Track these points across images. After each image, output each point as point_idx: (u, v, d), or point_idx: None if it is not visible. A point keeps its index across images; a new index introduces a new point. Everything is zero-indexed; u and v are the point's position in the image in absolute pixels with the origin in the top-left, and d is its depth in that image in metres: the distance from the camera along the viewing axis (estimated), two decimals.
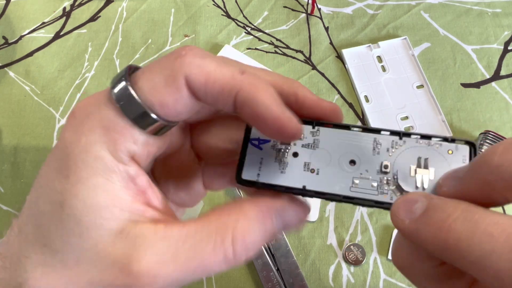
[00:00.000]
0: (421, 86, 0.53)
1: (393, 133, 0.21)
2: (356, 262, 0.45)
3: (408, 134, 0.21)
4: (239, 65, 0.20)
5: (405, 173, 0.21)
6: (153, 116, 0.19)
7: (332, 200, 0.21)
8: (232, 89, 0.19)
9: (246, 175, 0.22)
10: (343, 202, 0.21)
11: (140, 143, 0.20)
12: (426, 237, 0.17)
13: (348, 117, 0.52)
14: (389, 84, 0.54)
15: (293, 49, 0.57)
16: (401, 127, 0.51)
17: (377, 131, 0.22)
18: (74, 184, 0.19)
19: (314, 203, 0.47)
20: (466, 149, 0.21)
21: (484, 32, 0.57)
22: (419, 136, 0.21)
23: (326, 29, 0.58)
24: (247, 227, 0.20)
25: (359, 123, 0.52)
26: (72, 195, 0.19)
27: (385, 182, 0.21)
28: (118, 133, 0.19)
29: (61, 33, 0.58)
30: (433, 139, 0.21)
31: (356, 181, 0.21)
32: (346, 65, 0.55)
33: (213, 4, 0.60)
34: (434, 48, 0.56)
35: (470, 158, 0.21)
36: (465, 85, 0.54)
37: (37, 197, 0.20)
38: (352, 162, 0.21)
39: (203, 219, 0.20)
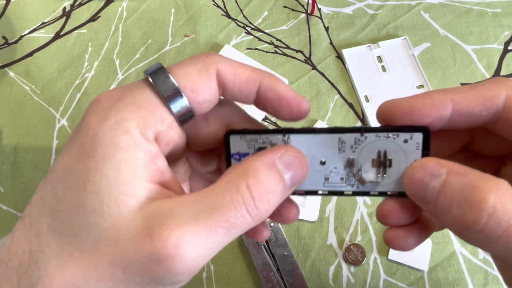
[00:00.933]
0: (421, 86, 0.53)
1: (354, 130, 0.23)
2: (356, 262, 0.45)
3: (368, 129, 0.23)
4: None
5: (367, 165, 0.24)
6: (184, 98, 0.22)
7: (310, 194, 0.25)
8: (256, 79, 0.23)
9: None
10: (321, 195, 0.24)
11: (166, 124, 0.22)
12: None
13: (348, 117, 0.52)
14: (389, 84, 0.54)
15: (293, 49, 0.57)
16: None
17: (340, 130, 0.24)
18: (99, 161, 0.20)
19: (314, 204, 0.47)
20: (419, 136, 0.23)
21: (484, 32, 0.57)
22: (377, 131, 0.23)
23: (326, 29, 0.58)
24: (257, 174, 0.21)
25: (359, 123, 0.52)
26: (96, 171, 0.19)
27: (351, 175, 0.24)
28: (149, 111, 0.21)
29: (61, 33, 0.58)
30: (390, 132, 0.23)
31: (328, 178, 0.24)
32: (346, 65, 0.55)
33: (213, 4, 0.60)
34: (434, 48, 0.56)
35: (424, 144, 0.23)
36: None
37: (53, 187, 0.20)
38: (323, 162, 0.24)
39: (215, 182, 0.21)
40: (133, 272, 0.19)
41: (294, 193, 0.24)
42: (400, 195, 0.24)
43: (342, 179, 0.24)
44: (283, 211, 0.26)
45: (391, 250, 0.45)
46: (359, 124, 0.52)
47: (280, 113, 0.24)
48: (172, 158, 0.24)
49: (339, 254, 0.46)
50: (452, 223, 0.20)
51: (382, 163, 0.23)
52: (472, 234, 0.19)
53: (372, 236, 0.46)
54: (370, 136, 0.23)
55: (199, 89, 0.22)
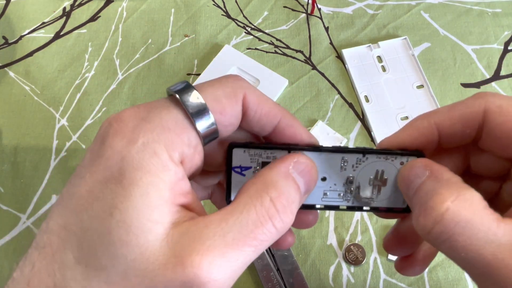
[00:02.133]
0: (421, 86, 0.53)
1: (358, 151, 0.25)
2: (356, 262, 0.45)
3: (370, 151, 0.25)
4: None
5: (365, 183, 0.25)
6: (212, 118, 0.22)
7: (308, 208, 0.26)
8: (277, 114, 0.24)
9: (234, 196, 0.25)
10: (317, 209, 0.26)
11: (192, 147, 0.21)
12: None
13: (348, 117, 0.52)
14: (389, 84, 0.54)
15: (293, 49, 0.57)
16: (400, 127, 0.51)
17: (344, 150, 0.25)
18: (127, 186, 0.19)
19: None
20: (414, 159, 0.25)
21: (484, 32, 0.57)
22: (378, 153, 0.25)
23: (326, 29, 0.58)
24: (277, 185, 0.21)
25: (359, 123, 0.52)
26: (124, 198, 0.19)
27: (349, 191, 0.26)
28: (176, 133, 0.21)
29: (61, 33, 0.58)
30: (389, 154, 0.25)
31: (326, 193, 0.26)
32: (346, 65, 0.55)
33: (213, 4, 0.60)
34: (434, 48, 0.56)
35: None
36: (465, 85, 0.54)
37: (78, 215, 0.19)
38: (323, 178, 0.26)
39: (234, 201, 0.21)
40: None
41: None
42: (388, 211, 0.26)
43: (339, 195, 0.26)
44: (302, 217, 0.27)
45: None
46: (359, 124, 0.52)
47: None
48: (190, 178, 0.24)
49: (339, 254, 0.46)
50: (413, 222, 0.21)
51: (379, 182, 0.25)
52: (424, 235, 0.20)
53: (372, 236, 0.46)
54: (371, 157, 0.25)
55: (227, 112, 0.22)
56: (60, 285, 0.19)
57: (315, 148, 0.25)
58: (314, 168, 0.23)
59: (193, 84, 0.23)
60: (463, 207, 0.19)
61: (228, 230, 0.19)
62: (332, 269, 0.45)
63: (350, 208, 0.26)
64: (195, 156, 0.22)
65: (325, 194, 0.26)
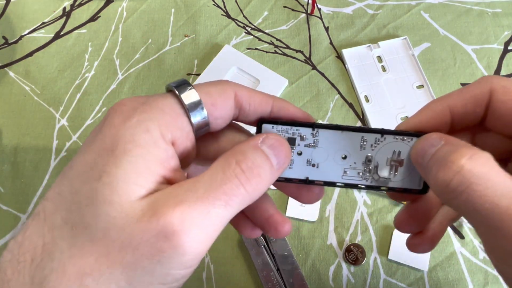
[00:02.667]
0: (421, 86, 0.53)
1: (376, 131, 0.26)
2: (356, 262, 0.45)
3: (388, 132, 0.26)
4: None
5: (383, 163, 0.26)
6: (204, 111, 0.24)
7: (328, 185, 0.27)
8: (269, 100, 0.27)
9: None
10: (338, 187, 0.27)
11: (185, 132, 0.24)
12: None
13: (348, 117, 0.52)
14: (389, 84, 0.54)
15: (293, 49, 0.57)
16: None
17: (364, 130, 0.26)
18: (118, 155, 0.21)
19: (314, 204, 0.47)
20: None
21: (484, 32, 0.57)
22: (395, 134, 0.26)
23: (326, 29, 0.58)
24: (244, 152, 0.23)
25: (359, 123, 0.52)
26: (114, 164, 0.21)
27: (367, 170, 0.27)
28: (171, 116, 0.23)
29: (61, 33, 0.58)
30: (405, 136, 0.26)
31: (346, 171, 0.27)
32: (346, 65, 0.55)
33: (213, 4, 0.60)
34: (434, 48, 0.56)
35: None
36: (465, 85, 0.54)
37: (71, 182, 0.21)
38: (344, 157, 0.27)
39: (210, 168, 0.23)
40: (141, 254, 0.20)
41: (315, 183, 0.27)
42: (405, 191, 0.27)
43: (359, 173, 0.27)
44: (304, 193, 0.29)
45: (391, 250, 0.45)
46: (359, 124, 0.52)
47: None
48: (182, 166, 0.25)
49: (339, 254, 0.46)
50: (431, 182, 0.23)
51: (396, 162, 0.26)
52: (441, 190, 0.22)
53: (372, 236, 0.46)
54: (389, 137, 0.26)
55: (218, 105, 0.25)
56: (48, 243, 0.20)
57: (337, 126, 0.26)
58: (285, 144, 0.25)
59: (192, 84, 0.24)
60: (480, 162, 0.21)
61: (199, 187, 0.21)
62: (332, 269, 0.45)
63: (369, 187, 0.27)
64: (187, 142, 0.24)
65: (345, 172, 0.27)
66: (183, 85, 0.24)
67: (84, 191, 0.21)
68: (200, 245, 0.21)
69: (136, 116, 0.22)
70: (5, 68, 0.56)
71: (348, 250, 0.45)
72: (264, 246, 0.44)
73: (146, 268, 0.20)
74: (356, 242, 0.46)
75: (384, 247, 0.46)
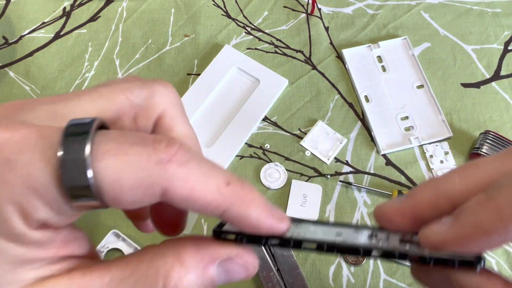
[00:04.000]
0: (421, 86, 0.53)
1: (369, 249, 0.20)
2: (356, 262, 0.45)
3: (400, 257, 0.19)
4: (224, 173, 0.18)
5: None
6: (96, 201, 0.16)
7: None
8: (219, 206, 0.17)
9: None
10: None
11: (62, 214, 0.17)
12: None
13: (348, 117, 0.52)
14: (389, 84, 0.54)
15: (293, 49, 0.57)
16: (401, 127, 0.51)
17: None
18: None
19: (314, 204, 0.47)
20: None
21: (484, 32, 0.57)
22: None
23: (326, 29, 0.58)
24: (182, 277, 0.17)
25: (359, 123, 0.52)
26: None
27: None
28: (42, 200, 0.16)
29: (61, 33, 0.58)
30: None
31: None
32: (346, 65, 0.55)
33: (213, 4, 0.60)
34: (434, 48, 0.56)
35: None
36: (465, 85, 0.54)
37: None
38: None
39: (133, 260, 0.17)
40: None
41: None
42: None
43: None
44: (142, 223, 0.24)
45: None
46: (359, 123, 0.52)
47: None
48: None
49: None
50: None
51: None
52: None
53: None
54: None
55: (123, 202, 0.16)
56: None
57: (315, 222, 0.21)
58: (250, 273, 0.20)
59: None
60: None
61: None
62: (332, 269, 0.45)
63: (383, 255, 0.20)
64: (68, 219, 0.17)
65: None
66: (80, 140, 0.16)
67: None
68: None
69: None
70: (5, 68, 0.56)
71: None
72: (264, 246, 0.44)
73: None
74: None
75: None
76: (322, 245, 0.19)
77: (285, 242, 0.19)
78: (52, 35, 0.58)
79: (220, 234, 0.19)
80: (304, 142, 0.51)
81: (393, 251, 0.19)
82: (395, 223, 0.21)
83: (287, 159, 0.50)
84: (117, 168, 0.16)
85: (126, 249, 0.46)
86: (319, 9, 0.59)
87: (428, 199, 0.20)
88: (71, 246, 0.18)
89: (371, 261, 0.45)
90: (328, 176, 0.49)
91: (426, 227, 0.19)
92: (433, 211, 0.20)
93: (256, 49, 0.57)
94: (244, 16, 0.59)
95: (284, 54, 0.56)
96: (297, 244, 0.20)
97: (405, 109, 0.52)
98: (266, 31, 0.58)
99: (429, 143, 0.51)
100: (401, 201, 0.21)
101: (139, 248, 0.45)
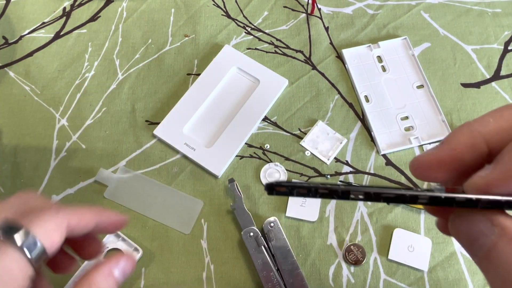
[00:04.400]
0: (421, 86, 0.53)
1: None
2: (356, 262, 0.45)
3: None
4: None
5: None
6: (47, 253, 0.25)
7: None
8: (93, 218, 0.30)
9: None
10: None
11: (24, 275, 0.25)
12: None
13: (348, 117, 0.52)
14: (389, 84, 0.54)
15: (293, 49, 0.57)
16: (401, 127, 0.51)
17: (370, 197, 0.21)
18: None
19: (314, 204, 0.47)
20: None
21: (484, 32, 0.57)
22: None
23: (326, 29, 0.58)
24: (98, 281, 0.27)
25: (359, 123, 0.52)
26: None
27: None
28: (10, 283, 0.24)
29: (61, 33, 0.58)
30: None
31: None
32: (346, 65, 0.55)
33: (213, 4, 0.60)
34: (434, 48, 0.56)
35: None
36: (465, 85, 0.54)
37: None
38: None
39: None
40: None
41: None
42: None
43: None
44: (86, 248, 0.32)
45: (391, 250, 0.45)
46: (359, 124, 0.52)
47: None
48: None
49: (339, 254, 0.46)
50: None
51: None
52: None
53: (372, 236, 0.46)
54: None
55: (56, 244, 0.26)
56: None
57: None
58: (133, 262, 0.29)
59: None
60: None
61: None
62: (332, 269, 0.45)
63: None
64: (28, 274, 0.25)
65: None
66: (24, 234, 0.25)
67: None
68: None
69: None
70: (5, 68, 0.56)
71: (348, 250, 0.45)
72: (264, 246, 0.44)
73: None
74: (356, 242, 0.46)
75: (384, 247, 0.46)
76: (369, 193, 0.20)
77: (333, 192, 0.21)
78: (52, 35, 0.58)
79: (273, 188, 0.21)
80: (304, 142, 0.51)
81: (439, 196, 0.20)
82: (433, 172, 0.21)
83: (287, 159, 0.50)
84: (43, 223, 0.26)
85: (126, 249, 0.46)
86: (319, 9, 0.59)
87: (464, 141, 0.20)
88: None
89: (371, 261, 0.45)
90: (328, 176, 0.49)
91: (470, 178, 0.20)
92: (470, 153, 0.20)
93: (256, 49, 0.57)
94: (244, 16, 0.59)
95: (284, 54, 0.56)
96: (345, 193, 0.21)
97: (405, 109, 0.52)
98: (266, 31, 0.58)
99: (429, 143, 0.51)
100: (437, 148, 0.21)
101: (139, 248, 0.45)
